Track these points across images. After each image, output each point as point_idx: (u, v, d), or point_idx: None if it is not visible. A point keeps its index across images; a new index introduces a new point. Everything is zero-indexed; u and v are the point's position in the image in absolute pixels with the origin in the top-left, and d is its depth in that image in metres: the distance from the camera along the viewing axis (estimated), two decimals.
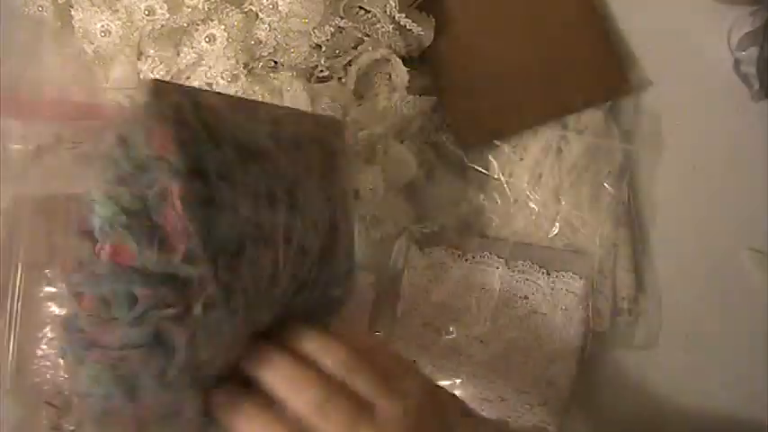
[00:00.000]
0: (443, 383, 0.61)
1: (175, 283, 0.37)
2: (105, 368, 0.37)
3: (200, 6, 0.55)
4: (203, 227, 0.37)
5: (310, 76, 0.59)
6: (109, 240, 0.37)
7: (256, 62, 0.57)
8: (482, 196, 0.64)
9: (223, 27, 0.55)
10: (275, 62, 0.58)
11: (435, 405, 0.43)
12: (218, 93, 0.47)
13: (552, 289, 0.62)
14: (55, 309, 0.54)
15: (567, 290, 0.62)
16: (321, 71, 0.59)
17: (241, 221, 0.39)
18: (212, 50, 0.56)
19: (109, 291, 0.37)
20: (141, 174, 0.37)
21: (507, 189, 0.63)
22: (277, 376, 0.41)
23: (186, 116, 0.38)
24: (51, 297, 0.54)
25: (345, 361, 0.42)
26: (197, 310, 0.37)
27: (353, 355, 0.42)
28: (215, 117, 0.39)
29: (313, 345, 0.42)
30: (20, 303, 0.54)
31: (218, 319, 0.38)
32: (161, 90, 0.39)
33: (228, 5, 0.56)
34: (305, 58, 0.57)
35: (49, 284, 0.54)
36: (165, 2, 0.54)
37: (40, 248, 0.54)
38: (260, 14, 0.56)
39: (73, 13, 0.57)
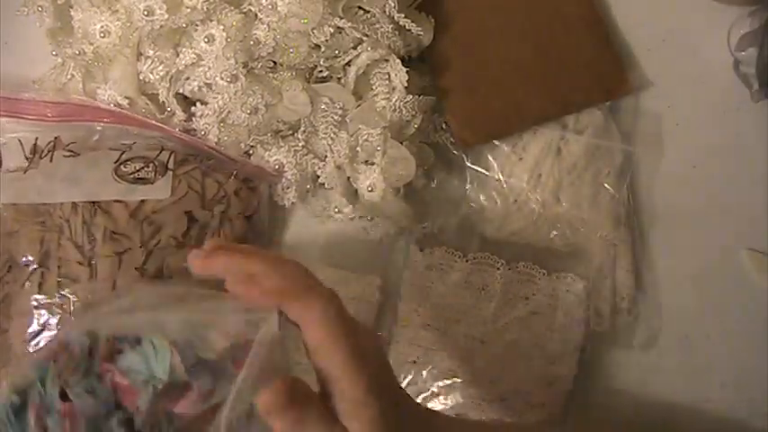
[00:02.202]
0: (443, 384, 0.61)
1: None
2: None
3: (198, 7, 0.55)
4: None
5: (309, 76, 0.60)
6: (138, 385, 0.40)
7: (255, 62, 0.57)
8: (482, 196, 0.64)
9: (222, 27, 0.55)
10: (274, 62, 0.58)
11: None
12: None
13: (553, 290, 0.62)
14: (46, 316, 0.53)
15: (567, 290, 0.62)
16: (320, 71, 0.59)
17: None
18: (211, 51, 0.56)
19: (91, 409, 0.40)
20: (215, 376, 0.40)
21: (507, 189, 0.63)
22: None
23: None
24: (43, 305, 0.53)
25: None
26: None
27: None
28: None
29: None
30: (11, 309, 0.54)
31: None
32: None
33: (227, 6, 0.56)
34: (304, 59, 0.57)
35: (40, 292, 0.53)
36: (163, 2, 0.54)
37: (34, 255, 0.54)
38: (259, 15, 0.56)
39: (72, 13, 0.57)
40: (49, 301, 0.53)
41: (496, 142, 0.64)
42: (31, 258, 0.54)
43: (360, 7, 0.58)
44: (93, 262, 0.53)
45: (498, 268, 0.62)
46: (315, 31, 0.56)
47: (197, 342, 0.40)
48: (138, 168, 0.56)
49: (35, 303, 0.53)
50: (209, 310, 0.41)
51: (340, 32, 0.58)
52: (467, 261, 0.62)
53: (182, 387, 0.40)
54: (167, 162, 0.57)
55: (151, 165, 0.57)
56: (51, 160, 0.57)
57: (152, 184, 0.56)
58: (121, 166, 0.56)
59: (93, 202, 0.55)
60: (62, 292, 0.53)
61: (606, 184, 0.63)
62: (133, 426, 0.40)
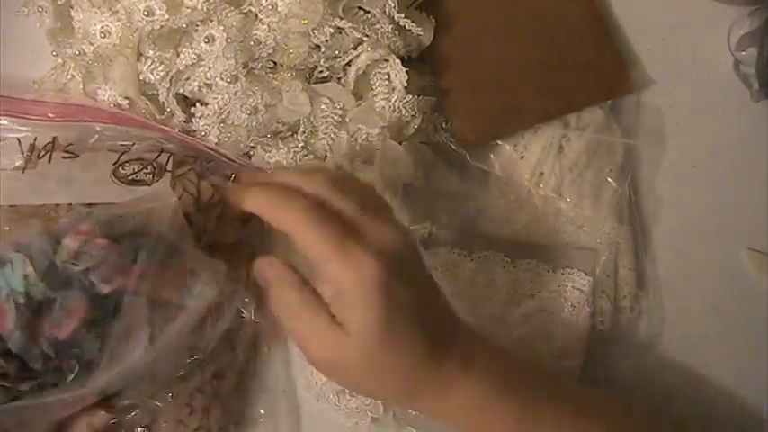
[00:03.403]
0: None
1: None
2: None
3: (199, 7, 0.54)
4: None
5: (309, 76, 0.60)
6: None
7: (256, 63, 0.57)
8: (484, 195, 0.64)
9: (222, 28, 0.55)
10: (274, 63, 0.58)
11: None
12: None
13: (558, 286, 0.62)
14: None
15: (573, 286, 0.61)
16: (320, 72, 0.59)
17: None
18: (211, 51, 0.56)
19: None
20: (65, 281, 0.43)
21: (509, 188, 0.63)
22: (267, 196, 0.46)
23: None
24: None
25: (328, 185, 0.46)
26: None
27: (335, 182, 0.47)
28: None
29: (293, 178, 0.47)
30: None
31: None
32: None
33: (227, 6, 0.56)
34: (304, 59, 0.57)
35: None
36: (163, 3, 0.54)
37: None
38: (259, 15, 0.56)
39: (72, 13, 0.57)
40: None
41: (498, 141, 0.64)
42: None
43: (360, 7, 0.58)
44: None
45: (503, 266, 0.62)
46: (315, 31, 0.56)
47: (49, 248, 0.43)
48: (136, 170, 0.56)
49: None
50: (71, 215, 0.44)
51: (340, 33, 0.58)
52: (471, 260, 0.62)
53: (46, 302, 0.42)
54: (166, 164, 0.57)
55: (149, 167, 0.56)
56: (49, 161, 0.57)
57: (149, 186, 0.56)
58: (120, 168, 0.56)
59: (89, 204, 0.54)
60: None
61: (609, 180, 0.63)
62: (11, 352, 0.41)
